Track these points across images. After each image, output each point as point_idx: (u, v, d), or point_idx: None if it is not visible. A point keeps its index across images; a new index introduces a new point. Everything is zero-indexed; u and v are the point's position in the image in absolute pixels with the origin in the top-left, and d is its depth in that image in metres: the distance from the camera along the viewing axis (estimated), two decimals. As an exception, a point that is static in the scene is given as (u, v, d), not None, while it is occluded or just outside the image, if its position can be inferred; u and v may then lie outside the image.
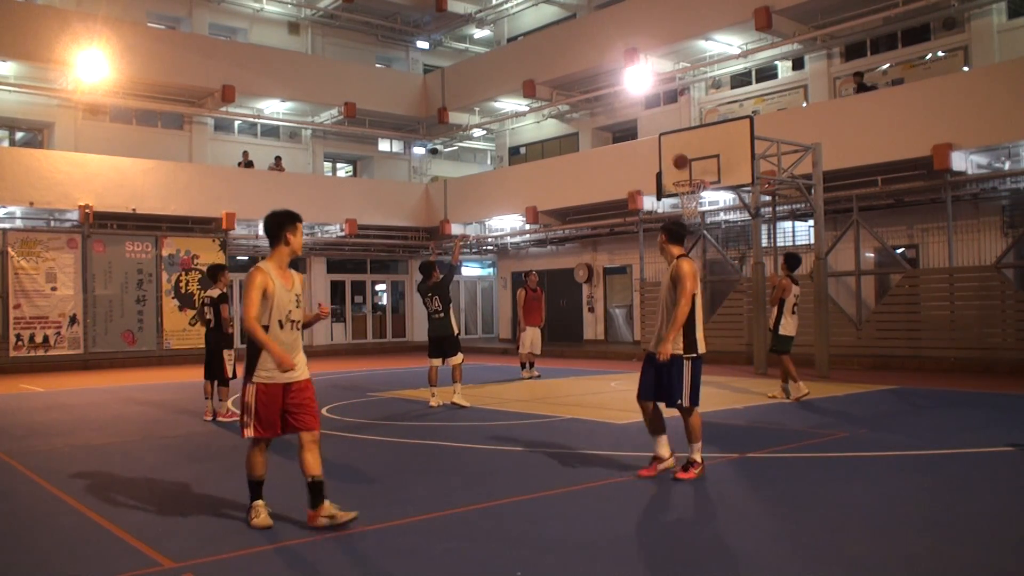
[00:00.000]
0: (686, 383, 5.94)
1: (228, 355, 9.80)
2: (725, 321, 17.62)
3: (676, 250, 6.21)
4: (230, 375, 9.81)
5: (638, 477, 5.96)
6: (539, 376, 14.41)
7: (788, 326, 10.51)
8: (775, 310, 10.59)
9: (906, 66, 17.85)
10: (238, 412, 9.70)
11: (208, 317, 9.86)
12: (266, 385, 4.89)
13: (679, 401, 5.95)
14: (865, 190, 15.66)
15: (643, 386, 6.15)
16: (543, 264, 23.43)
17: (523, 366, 14.57)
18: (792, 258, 10.74)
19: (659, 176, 13.79)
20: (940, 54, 17.43)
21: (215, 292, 9.82)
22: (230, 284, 10.26)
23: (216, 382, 9.87)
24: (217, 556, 4.40)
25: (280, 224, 5.04)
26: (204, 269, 20.72)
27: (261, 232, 22.78)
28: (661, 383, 6.02)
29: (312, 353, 23.50)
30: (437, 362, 10.66)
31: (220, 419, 9.65)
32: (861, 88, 17.30)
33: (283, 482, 6.25)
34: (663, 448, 6.07)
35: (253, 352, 4.92)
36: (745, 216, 17.37)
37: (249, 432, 4.97)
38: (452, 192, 24.99)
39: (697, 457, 5.97)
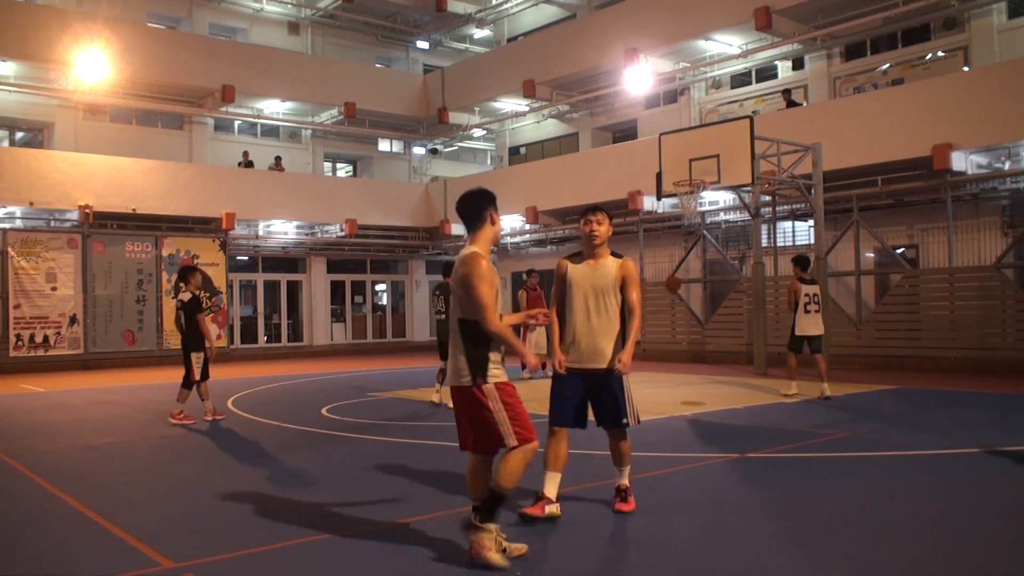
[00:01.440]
0: (629, 398, 5.06)
1: (196, 358, 9.66)
2: (725, 321, 17.62)
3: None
4: (196, 378, 9.65)
5: (522, 516, 4.85)
6: (548, 376, 14.35)
7: (801, 325, 10.71)
8: (793, 313, 10.87)
9: (906, 66, 17.84)
10: (194, 418, 9.58)
11: (181, 322, 9.75)
12: (505, 383, 4.28)
13: (625, 420, 5.03)
14: (865, 190, 15.66)
15: (562, 411, 5.10)
16: (543, 264, 23.36)
17: (523, 366, 14.55)
18: (801, 260, 10.99)
19: (659, 176, 13.80)
20: (940, 54, 17.43)
21: (186, 296, 9.75)
22: (200, 286, 10.23)
23: (181, 383, 9.69)
24: (217, 556, 4.40)
25: (483, 204, 4.39)
26: (205, 270, 20.79)
27: (262, 232, 22.83)
28: (597, 403, 5.09)
29: (312, 353, 23.62)
30: (443, 363, 10.75)
31: (171, 420, 9.46)
32: (791, 104, 17.42)
33: (283, 481, 6.25)
34: (555, 488, 5.00)
35: (481, 351, 4.25)
36: (745, 216, 17.37)
37: (513, 440, 4.19)
38: (452, 192, 24.95)
39: (627, 481, 5.19)
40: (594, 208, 5.18)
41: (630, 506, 5.10)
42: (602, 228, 5.11)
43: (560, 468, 5.03)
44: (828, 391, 10.55)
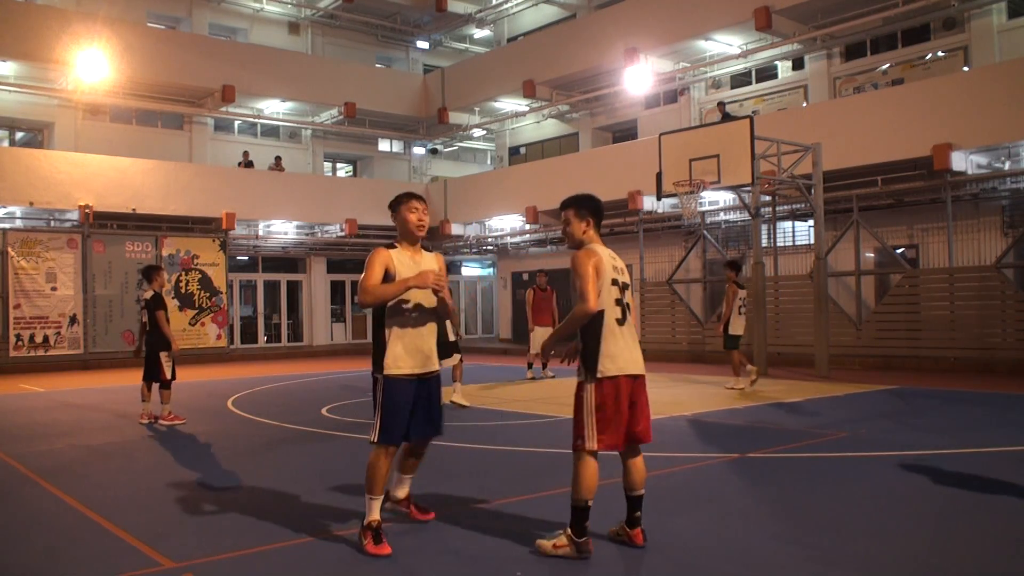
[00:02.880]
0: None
1: (165, 357, 9.47)
2: (725, 321, 17.61)
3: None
4: (168, 377, 9.51)
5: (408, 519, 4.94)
6: (553, 376, 14.24)
7: (736, 325, 11.62)
8: (728, 314, 11.78)
9: (906, 66, 17.85)
10: (183, 416, 9.54)
11: (143, 320, 9.60)
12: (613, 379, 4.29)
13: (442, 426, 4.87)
14: (865, 190, 15.66)
15: (399, 426, 4.51)
16: (543, 264, 23.33)
17: (529, 366, 14.45)
18: (735, 264, 11.91)
19: (659, 176, 13.80)
20: (940, 54, 17.44)
21: (149, 293, 9.60)
22: (164, 285, 10.14)
23: (159, 385, 9.56)
24: (217, 556, 4.40)
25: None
26: (205, 270, 20.80)
27: (262, 232, 22.79)
28: (429, 414, 4.68)
29: (312, 353, 23.63)
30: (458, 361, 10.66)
31: (162, 422, 9.38)
32: (726, 117, 17.34)
33: (284, 481, 6.25)
34: (407, 488, 5.02)
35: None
36: (745, 216, 17.36)
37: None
38: (452, 192, 24.99)
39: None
40: (420, 196, 4.79)
41: (429, 515, 4.97)
42: (426, 219, 4.76)
43: (410, 469, 5.00)
44: (741, 384, 11.58)
